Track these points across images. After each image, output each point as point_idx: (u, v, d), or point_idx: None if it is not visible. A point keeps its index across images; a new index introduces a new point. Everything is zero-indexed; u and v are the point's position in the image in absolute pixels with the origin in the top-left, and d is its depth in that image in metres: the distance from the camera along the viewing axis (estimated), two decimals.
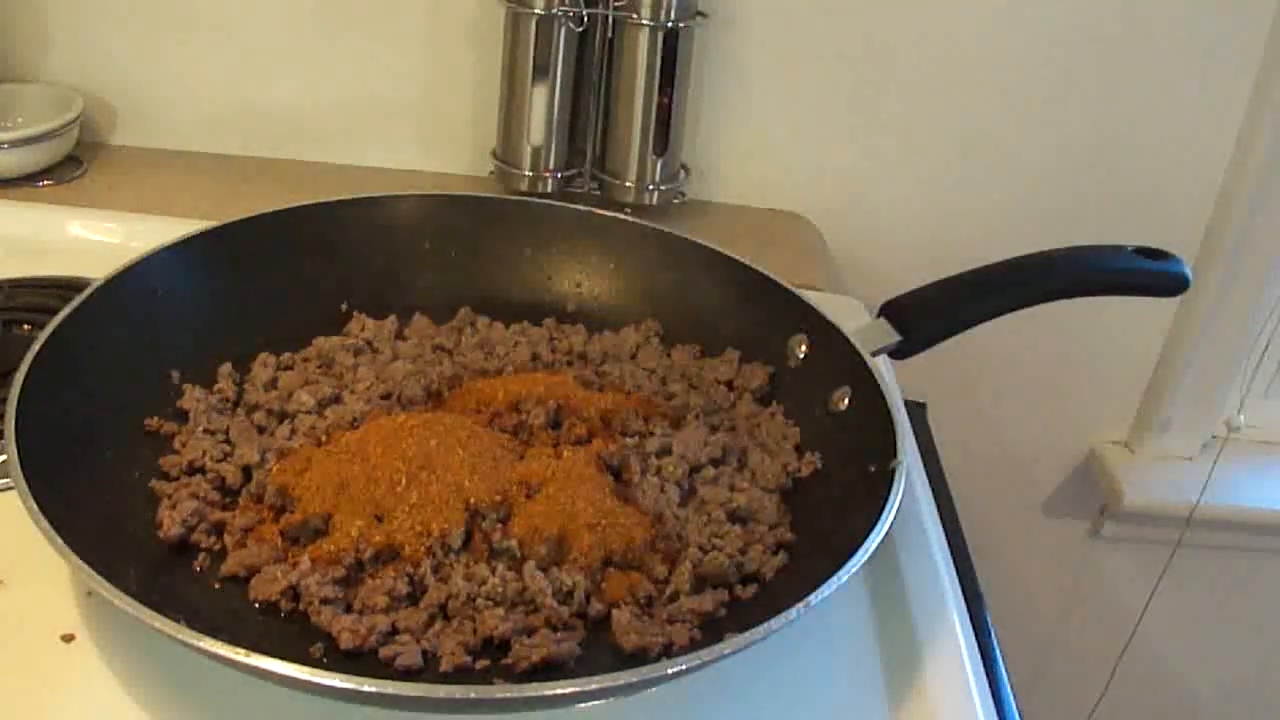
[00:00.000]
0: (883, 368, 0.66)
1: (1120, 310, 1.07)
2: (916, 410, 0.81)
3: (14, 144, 0.93)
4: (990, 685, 0.56)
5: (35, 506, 0.48)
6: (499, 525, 0.56)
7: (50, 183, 0.97)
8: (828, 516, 0.59)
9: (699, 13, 0.95)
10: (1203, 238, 1.08)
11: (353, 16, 0.99)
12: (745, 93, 1.02)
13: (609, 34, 0.95)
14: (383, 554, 0.54)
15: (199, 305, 0.69)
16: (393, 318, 0.74)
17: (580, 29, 0.93)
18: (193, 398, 0.64)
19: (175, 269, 0.68)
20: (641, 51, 0.93)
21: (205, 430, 0.62)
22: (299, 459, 0.59)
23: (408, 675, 0.48)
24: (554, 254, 0.78)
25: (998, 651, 0.61)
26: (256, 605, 0.52)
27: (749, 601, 0.55)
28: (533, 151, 0.97)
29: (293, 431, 0.63)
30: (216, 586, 0.54)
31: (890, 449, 0.57)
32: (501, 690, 0.46)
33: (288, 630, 0.51)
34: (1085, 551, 1.27)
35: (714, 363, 0.72)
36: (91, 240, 0.87)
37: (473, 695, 0.44)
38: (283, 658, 0.43)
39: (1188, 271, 0.71)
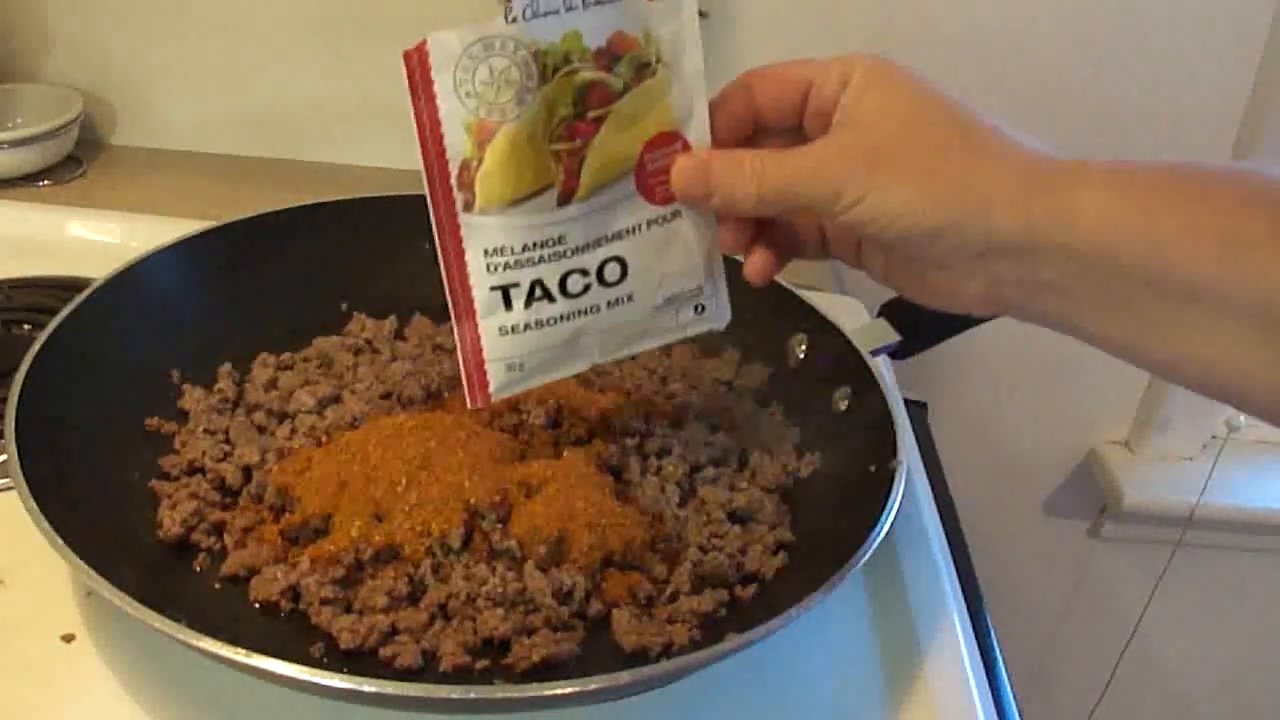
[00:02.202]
0: (883, 368, 0.66)
1: None
2: (916, 410, 0.81)
3: (14, 144, 0.93)
4: (990, 685, 0.56)
5: (35, 506, 0.48)
6: (499, 525, 0.56)
7: (50, 183, 0.97)
8: (828, 516, 0.59)
9: (699, 12, 0.95)
10: None
11: (353, 16, 0.99)
12: None
13: None
14: (383, 554, 0.54)
15: (199, 305, 0.69)
16: (393, 318, 0.74)
17: None
18: (193, 398, 0.64)
19: (175, 269, 0.68)
20: None
21: (205, 430, 0.62)
22: (299, 459, 0.59)
23: (408, 675, 0.48)
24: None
25: (998, 651, 0.61)
26: (256, 605, 0.52)
27: (749, 601, 0.55)
28: None
29: (293, 431, 0.63)
30: (216, 586, 0.54)
31: (890, 449, 0.57)
32: (501, 690, 0.46)
33: (288, 630, 0.51)
34: (1085, 551, 1.27)
35: (714, 363, 0.72)
36: (91, 240, 0.87)
37: (473, 695, 0.44)
38: (283, 658, 0.43)
39: None
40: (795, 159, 0.45)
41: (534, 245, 0.47)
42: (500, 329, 0.48)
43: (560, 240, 0.47)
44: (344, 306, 0.75)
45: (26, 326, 0.73)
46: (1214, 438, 1.20)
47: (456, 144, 0.46)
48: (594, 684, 0.44)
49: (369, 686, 0.42)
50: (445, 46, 0.44)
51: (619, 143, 0.46)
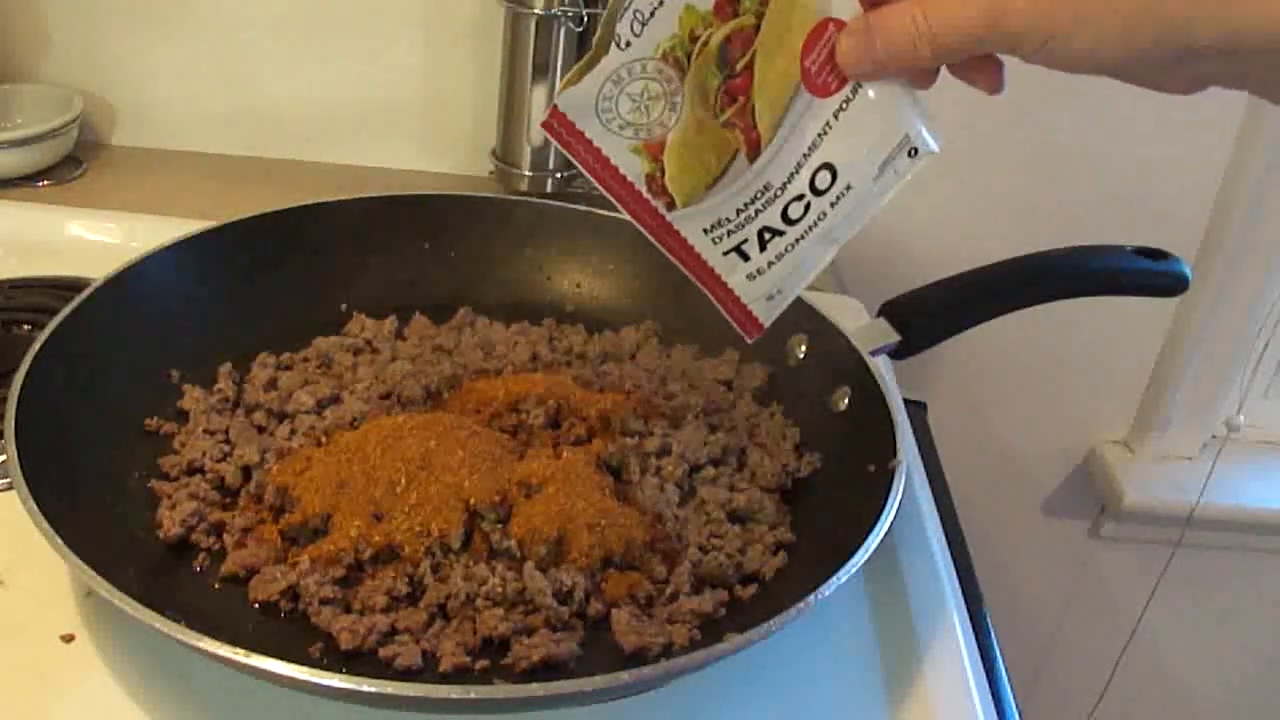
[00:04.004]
0: (883, 368, 0.66)
1: (1120, 310, 1.07)
2: (916, 410, 0.81)
3: (14, 144, 0.93)
4: (990, 685, 0.56)
5: (35, 506, 0.48)
6: (498, 525, 0.56)
7: (50, 183, 0.97)
8: (828, 516, 0.59)
9: None
10: (1202, 238, 1.08)
11: (353, 16, 0.99)
12: None
13: None
14: (382, 554, 0.54)
15: (199, 305, 0.69)
16: (392, 318, 0.74)
17: (580, 29, 0.93)
18: (193, 398, 0.64)
19: (175, 269, 0.68)
20: None
21: (205, 430, 0.62)
22: (299, 459, 0.59)
23: (407, 675, 0.48)
24: (554, 254, 0.78)
25: (998, 651, 0.61)
26: (256, 605, 0.52)
27: (749, 601, 0.55)
28: (533, 151, 0.97)
29: (292, 431, 0.63)
30: (216, 586, 0.54)
31: (890, 449, 0.57)
32: (501, 690, 0.46)
33: (288, 630, 0.51)
34: (1085, 551, 1.27)
35: (713, 363, 0.72)
36: (91, 240, 0.87)
37: (473, 695, 0.44)
38: (283, 658, 0.43)
39: (1188, 271, 0.71)
40: (960, 6, 0.41)
41: (745, 205, 0.48)
42: (748, 276, 0.50)
43: (766, 188, 0.48)
44: (344, 306, 0.75)
45: (26, 326, 0.72)
46: (1214, 438, 1.20)
47: (633, 168, 0.47)
48: (594, 684, 0.44)
49: (369, 686, 0.42)
50: (577, 100, 0.45)
51: (776, 69, 0.46)
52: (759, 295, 0.51)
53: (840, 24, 0.45)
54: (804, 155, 0.48)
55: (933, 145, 0.48)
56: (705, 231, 0.49)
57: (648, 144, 0.46)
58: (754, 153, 0.47)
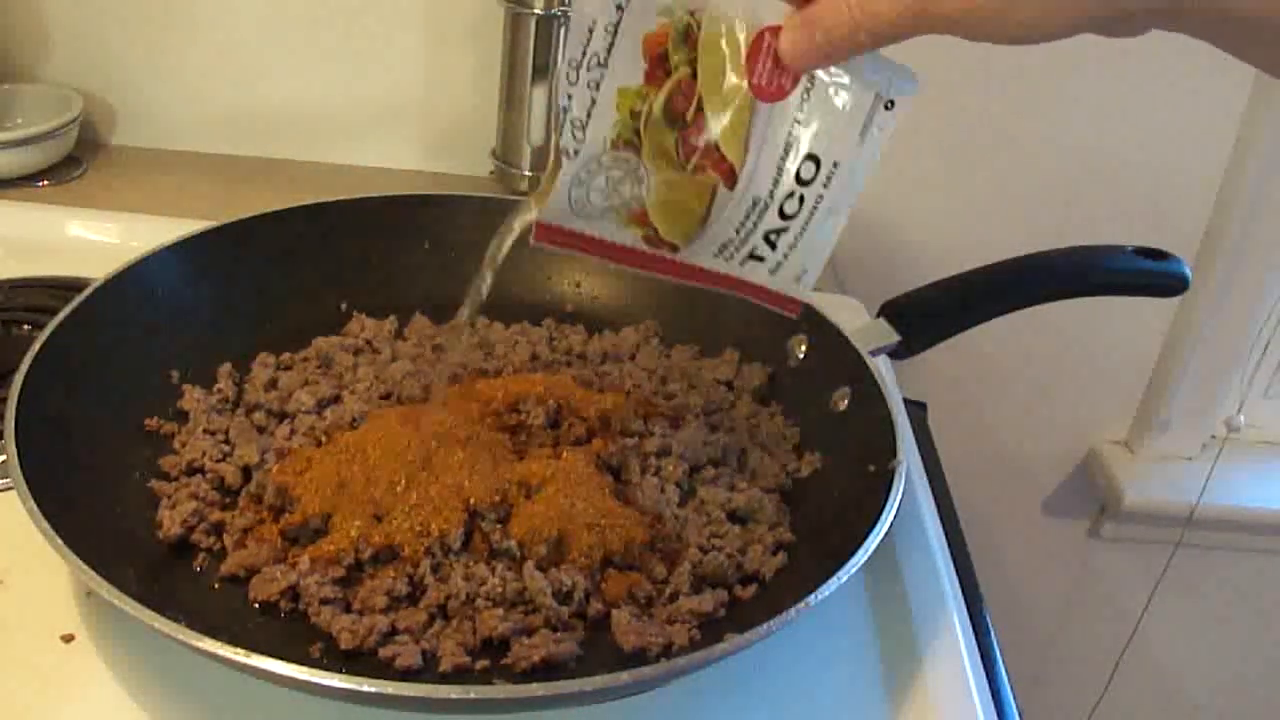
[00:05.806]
0: (883, 368, 0.66)
1: (1120, 310, 1.07)
2: (916, 410, 0.81)
3: (14, 144, 0.93)
4: (990, 685, 0.56)
5: (35, 506, 0.48)
6: (498, 525, 0.56)
7: (50, 183, 0.97)
8: (828, 516, 0.59)
9: None
10: (1202, 238, 1.08)
11: (353, 16, 0.99)
12: None
13: None
14: (382, 554, 0.54)
15: (199, 305, 0.69)
16: (392, 318, 0.74)
17: None
18: (193, 398, 0.64)
19: (175, 269, 0.68)
20: None
21: (205, 430, 0.62)
22: (299, 459, 0.59)
23: (407, 675, 0.48)
24: (554, 254, 0.78)
25: (998, 651, 0.61)
26: (256, 605, 0.52)
27: (749, 601, 0.55)
28: (533, 151, 0.97)
29: (292, 431, 0.63)
30: (216, 586, 0.54)
31: (890, 449, 0.57)
32: (501, 690, 0.46)
33: (288, 630, 0.51)
34: (1085, 551, 1.27)
35: (713, 363, 0.72)
36: (91, 240, 0.87)
37: (472, 695, 0.44)
38: (282, 658, 0.43)
39: (1188, 271, 0.71)
40: None
41: (742, 223, 0.50)
42: (769, 271, 0.52)
43: (755, 202, 0.49)
44: (344, 306, 0.75)
45: (26, 326, 0.72)
46: (1214, 438, 1.20)
47: (629, 238, 0.49)
48: (594, 684, 0.44)
49: (369, 686, 0.42)
50: (556, 209, 0.47)
51: (727, 98, 0.47)
52: (787, 280, 0.53)
53: (775, 29, 0.46)
54: (781, 159, 0.49)
55: (907, 89, 0.49)
56: (715, 255, 0.51)
57: (632, 215, 0.48)
58: (732, 181, 0.48)
